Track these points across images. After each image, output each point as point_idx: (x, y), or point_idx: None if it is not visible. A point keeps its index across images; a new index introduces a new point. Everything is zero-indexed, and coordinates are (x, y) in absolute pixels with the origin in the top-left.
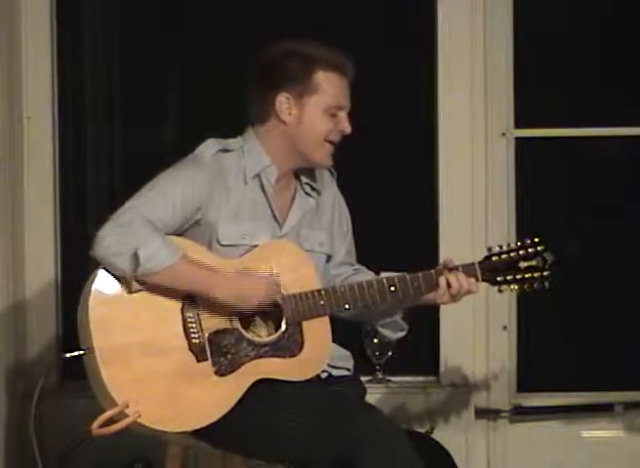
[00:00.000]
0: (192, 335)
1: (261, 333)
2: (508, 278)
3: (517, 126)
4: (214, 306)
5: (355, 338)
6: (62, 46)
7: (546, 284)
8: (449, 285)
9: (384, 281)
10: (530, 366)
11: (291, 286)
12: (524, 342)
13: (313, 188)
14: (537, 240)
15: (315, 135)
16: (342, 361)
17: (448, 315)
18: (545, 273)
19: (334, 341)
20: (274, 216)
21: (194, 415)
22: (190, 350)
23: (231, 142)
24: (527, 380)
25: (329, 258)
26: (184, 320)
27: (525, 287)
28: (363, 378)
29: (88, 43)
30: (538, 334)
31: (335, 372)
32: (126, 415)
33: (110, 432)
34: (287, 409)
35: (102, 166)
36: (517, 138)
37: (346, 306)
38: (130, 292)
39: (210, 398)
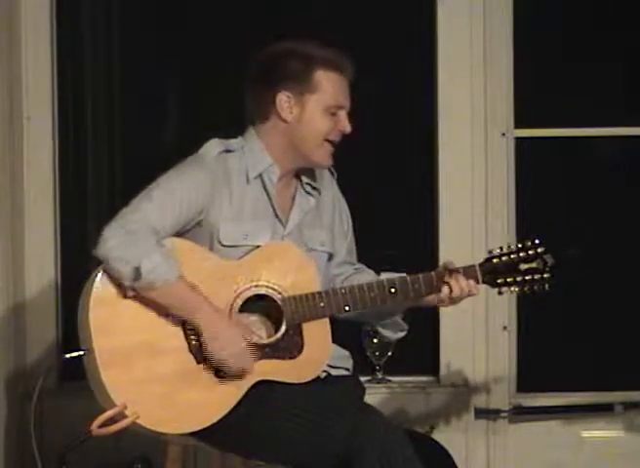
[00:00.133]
0: (192, 337)
1: (261, 335)
2: (509, 280)
3: (517, 126)
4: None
5: (355, 338)
6: (62, 46)
7: (547, 286)
8: (450, 289)
9: (384, 283)
10: (530, 366)
11: (291, 287)
12: (524, 342)
13: (314, 187)
14: (537, 242)
15: (315, 133)
16: (342, 361)
17: (448, 315)
18: (546, 275)
19: (333, 341)
20: (276, 216)
21: (193, 417)
22: (190, 351)
23: (233, 143)
24: (527, 380)
25: (330, 257)
26: (184, 321)
27: (525, 289)
28: (363, 378)
29: (88, 43)
30: (537, 335)
31: (334, 372)
32: (125, 416)
33: (110, 432)
34: (286, 409)
35: (102, 166)
36: (517, 138)
37: (346, 308)
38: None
39: (209, 399)
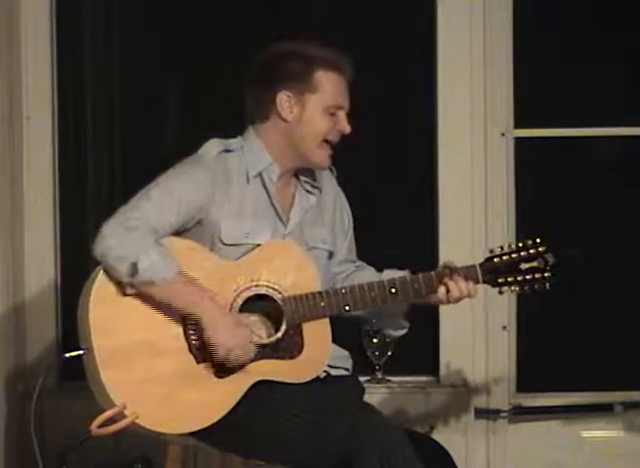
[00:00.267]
0: (192, 337)
1: (261, 335)
2: (509, 279)
3: (517, 126)
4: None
5: (355, 338)
6: (62, 46)
7: (547, 285)
8: (448, 290)
9: (385, 283)
10: (529, 366)
11: (292, 287)
12: (523, 342)
13: (314, 186)
14: (538, 241)
15: (315, 133)
16: (341, 361)
17: (447, 315)
18: (547, 274)
19: (333, 341)
20: (277, 215)
21: (193, 417)
22: (190, 351)
23: (232, 142)
24: (526, 380)
25: (331, 255)
26: (184, 321)
27: (526, 288)
28: (362, 378)
29: (88, 43)
30: (537, 334)
31: (333, 372)
32: (124, 416)
33: (109, 432)
34: (286, 409)
35: (102, 166)
36: (517, 138)
37: (347, 308)
38: (125, 294)
39: (209, 399)
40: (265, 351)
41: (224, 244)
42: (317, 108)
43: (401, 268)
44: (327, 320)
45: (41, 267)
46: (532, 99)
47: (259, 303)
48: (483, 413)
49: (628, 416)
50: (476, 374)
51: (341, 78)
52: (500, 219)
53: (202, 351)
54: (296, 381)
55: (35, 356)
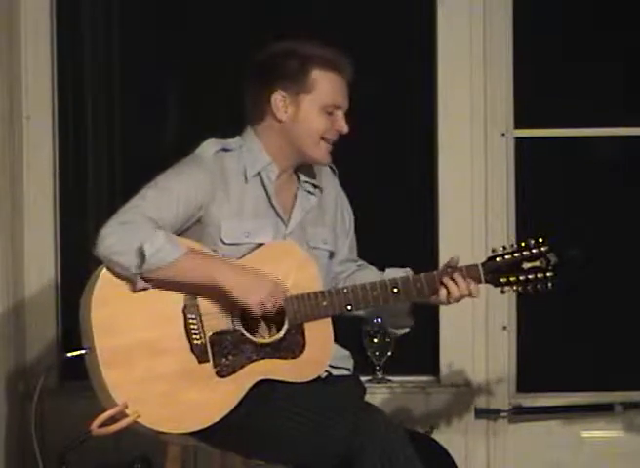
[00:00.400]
0: (194, 336)
1: (263, 334)
2: (512, 279)
3: (517, 126)
4: (216, 306)
5: (355, 338)
6: (62, 46)
7: (550, 285)
8: (448, 290)
9: (387, 282)
10: (530, 366)
11: (294, 287)
12: (524, 342)
13: (315, 186)
14: (540, 240)
15: (311, 132)
16: (342, 361)
17: (448, 315)
18: (549, 274)
19: (334, 341)
20: (277, 214)
21: (195, 417)
22: (192, 351)
23: (231, 142)
24: (527, 380)
25: (332, 255)
26: (186, 321)
27: (528, 288)
28: (363, 378)
29: (88, 43)
30: (537, 334)
31: (335, 372)
32: (126, 415)
33: (109, 432)
34: (287, 409)
35: (102, 166)
36: (517, 138)
37: (349, 307)
38: (134, 290)
39: (211, 399)
40: (267, 350)
41: (225, 243)
42: (313, 108)
43: (403, 267)
44: (329, 319)
45: (41, 267)
46: (532, 99)
47: None
48: (483, 413)
49: (628, 416)
50: (476, 374)
51: (339, 78)
52: (500, 219)
53: (204, 351)
54: (297, 381)
55: (35, 356)
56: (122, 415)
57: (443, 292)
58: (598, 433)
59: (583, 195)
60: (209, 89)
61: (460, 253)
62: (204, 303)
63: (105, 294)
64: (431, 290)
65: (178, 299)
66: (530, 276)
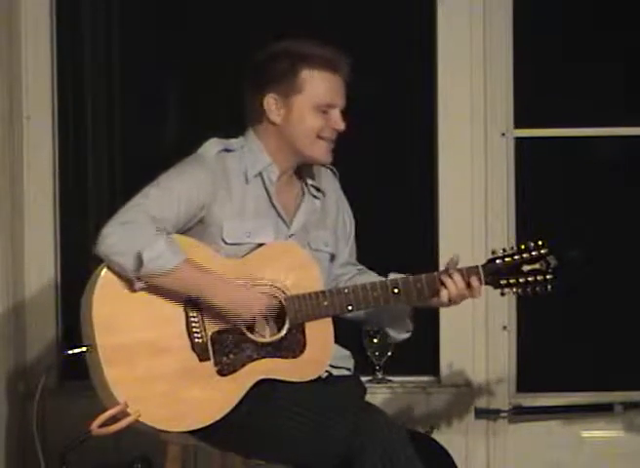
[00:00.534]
0: (195, 335)
1: (264, 334)
2: (511, 281)
3: (517, 126)
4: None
5: (355, 338)
6: (62, 46)
7: (549, 287)
8: (446, 288)
9: (388, 283)
10: (530, 366)
11: (295, 287)
12: (524, 342)
13: (318, 189)
14: (540, 243)
15: (306, 132)
16: (343, 360)
17: (448, 315)
18: (548, 277)
19: (335, 341)
20: (279, 215)
21: (195, 415)
22: (193, 350)
23: (233, 142)
24: (527, 380)
25: (332, 258)
26: (188, 319)
27: (528, 290)
28: (363, 378)
29: (88, 43)
30: (537, 334)
31: (335, 372)
32: (127, 414)
33: (109, 432)
34: (288, 409)
35: (102, 166)
36: (517, 138)
37: (349, 307)
38: (133, 290)
39: (211, 398)
40: (268, 350)
41: (226, 243)
42: (305, 108)
43: (403, 268)
44: (329, 319)
45: (41, 267)
46: (532, 99)
47: None
48: (483, 413)
49: (628, 416)
50: (476, 374)
51: (332, 76)
52: (500, 219)
53: (205, 349)
54: (298, 380)
55: (36, 356)
56: (123, 414)
57: (443, 291)
58: (598, 433)
59: (583, 195)
60: (209, 89)
61: (460, 254)
62: (205, 303)
63: (107, 293)
64: (431, 290)
65: (179, 298)
66: (529, 278)
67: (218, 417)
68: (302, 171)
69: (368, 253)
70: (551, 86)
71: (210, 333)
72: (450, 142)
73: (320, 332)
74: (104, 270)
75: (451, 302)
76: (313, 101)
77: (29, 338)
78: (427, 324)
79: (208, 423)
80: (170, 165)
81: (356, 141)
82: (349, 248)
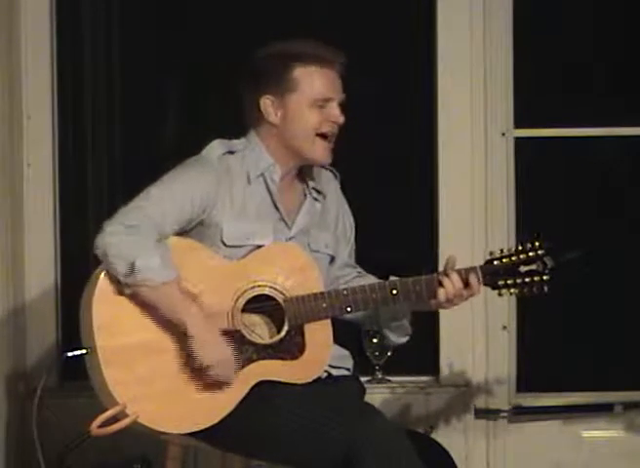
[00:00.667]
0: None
1: (264, 335)
2: (509, 282)
3: (517, 126)
4: (217, 307)
5: (355, 338)
6: (62, 46)
7: (546, 288)
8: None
9: (386, 284)
10: (529, 366)
11: (294, 288)
12: (523, 342)
13: (319, 192)
14: (537, 244)
15: (304, 129)
16: (342, 361)
17: (447, 315)
18: (545, 277)
19: (334, 342)
20: (281, 217)
21: (195, 417)
22: None
23: (236, 143)
24: (526, 380)
25: (332, 260)
26: None
27: (525, 290)
28: (363, 378)
29: (88, 43)
30: (537, 334)
31: (334, 372)
32: (126, 415)
33: (109, 432)
34: (287, 410)
35: (102, 166)
36: (517, 138)
37: (348, 309)
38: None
39: (211, 399)
40: (267, 351)
41: (226, 245)
42: (301, 105)
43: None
44: (329, 321)
45: (41, 267)
46: (532, 99)
47: (261, 303)
48: (483, 413)
49: (628, 416)
50: (476, 374)
51: (325, 70)
52: (499, 219)
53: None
54: (297, 382)
55: (35, 356)
56: (122, 415)
57: (441, 291)
58: (598, 433)
59: (583, 195)
60: (209, 89)
61: (460, 254)
62: (205, 304)
63: (106, 294)
64: (430, 292)
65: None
66: (526, 279)
67: (217, 420)
68: (304, 173)
69: (368, 253)
70: (551, 86)
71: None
72: (450, 142)
73: (319, 334)
74: (104, 272)
75: (449, 303)
76: (309, 97)
77: (29, 339)
78: (427, 324)
79: (207, 425)
80: (170, 165)
81: (356, 141)
82: (349, 250)
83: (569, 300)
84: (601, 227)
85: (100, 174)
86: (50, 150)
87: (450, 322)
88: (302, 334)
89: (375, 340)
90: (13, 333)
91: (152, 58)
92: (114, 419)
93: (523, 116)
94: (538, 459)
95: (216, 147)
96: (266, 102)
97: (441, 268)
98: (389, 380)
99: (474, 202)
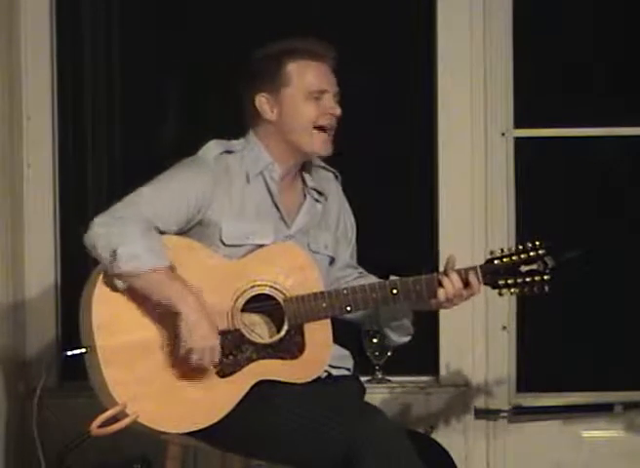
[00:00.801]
0: None
1: (263, 335)
2: (509, 281)
3: (517, 126)
4: (216, 306)
5: (355, 338)
6: (62, 46)
7: (547, 288)
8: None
9: (386, 283)
10: (529, 366)
11: (294, 288)
12: (524, 342)
13: (320, 192)
14: (538, 243)
15: (302, 123)
16: (342, 360)
17: (447, 315)
18: (546, 277)
19: (334, 341)
20: (281, 216)
21: (195, 416)
22: None
23: (234, 144)
24: (526, 380)
25: (332, 261)
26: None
27: (525, 290)
28: (363, 378)
29: (88, 43)
30: (537, 334)
31: (334, 372)
32: (126, 415)
33: (109, 432)
34: (287, 409)
35: (102, 166)
36: (517, 138)
37: (348, 308)
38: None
39: (211, 399)
40: (267, 351)
41: (225, 245)
42: (296, 99)
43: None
44: (328, 321)
45: (41, 267)
46: (532, 99)
47: (261, 303)
48: (483, 413)
49: (628, 416)
50: (476, 374)
51: (317, 63)
52: (499, 219)
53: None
54: (297, 381)
55: (35, 356)
56: (122, 415)
57: (441, 290)
58: (598, 433)
59: (583, 195)
60: (209, 89)
61: (459, 253)
62: (204, 303)
63: (106, 293)
64: (430, 291)
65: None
66: (527, 279)
67: (217, 419)
68: (305, 174)
69: (368, 253)
70: (551, 86)
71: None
72: (450, 142)
73: (319, 334)
74: (103, 271)
75: (449, 302)
76: (303, 91)
77: (29, 338)
78: (427, 324)
79: (207, 424)
80: (170, 165)
81: (356, 141)
82: (350, 251)
83: (569, 300)
84: (601, 227)
85: (100, 174)
86: (50, 150)
87: (450, 322)
88: (302, 334)
89: (375, 340)
90: (13, 333)
91: (152, 58)
92: (114, 419)
93: (523, 116)
94: (538, 459)
95: (212, 147)
96: (262, 100)
97: (441, 268)
98: (389, 380)
99: (474, 202)
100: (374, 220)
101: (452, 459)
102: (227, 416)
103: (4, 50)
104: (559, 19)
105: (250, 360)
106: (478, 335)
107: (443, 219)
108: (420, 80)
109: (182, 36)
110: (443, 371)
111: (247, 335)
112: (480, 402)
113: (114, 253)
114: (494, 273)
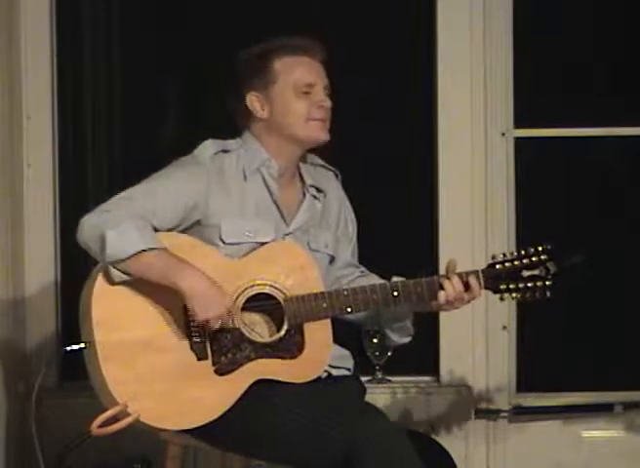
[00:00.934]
0: (194, 334)
1: (263, 334)
2: (511, 286)
3: (517, 126)
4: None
5: (355, 338)
6: (62, 46)
7: (548, 293)
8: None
9: (387, 286)
10: (530, 366)
11: (294, 287)
12: (524, 342)
13: (319, 190)
14: (540, 249)
15: (295, 118)
16: (342, 360)
17: (447, 315)
18: (547, 283)
19: (334, 341)
20: (280, 213)
21: (193, 414)
22: (191, 349)
23: (230, 143)
24: (527, 380)
25: (332, 260)
26: (187, 318)
27: (527, 295)
28: (363, 378)
29: (88, 43)
30: (537, 334)
31: (334, 372)
32: (127, 414)
33: (109, 432)
34: (286, 409)
35: (102, 166)
36: (517, 138)
37: (348, 309)
38: (132, 288)
39: (209, 397)
40: (266, 350)
41: (225, 243)
42: (285, 95)
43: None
44: (329, 321)
45: (41, 267)
46: (532, 99)
47: (261, 302)
48: (483, 413)
49: (628, 416)
50: (476, 374)
51: (303, 58)
52: (499, 220)
53: (203, 348)
54: (296, 381)
55: (36, 356)
56: (123, 415)
57: (441, 293)
58: (598, 433)
59: (584, 195)
60: (209, 89)
61: (459, 254)
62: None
63: (106, 290)
64: (431, 294)
65: (179, 296)
66: (529, 284)
67: (215, 416)
68: (304, 172)
69: (368, 253)
70: (551, 86)
71: (208, 333)
72: (450, 142)
73: (319, 334)
74: (103, 268)
75: (449, 305)
76: (291, 85)
77: (29, 338)
78: (427, 324)
79: (205, 422)
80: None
81: (356, 141)
82: (351, 249)
83: (569, 300)
84: (601, 227)
85: (100, 174)
86: (50, 150)
87: (450, 322)
88: (302, 334)
89: (375, 340)
90: (12, 332)
91: (152, 58)
92: (114, 419)
93: (523, 116)
94: (538, 459)
95: (208, 146)
96: (252, 99)
97: (441, 270)
98: (390, 380)
99: (474, 202)
100: (374, 220)
101: (452, 459)
102: (227, 416)
103: (4, 50)
104: (559, 19)
105: (249, 359)
106: (478, 335)
107: (443, 219)
108: (420, 80)
109: (182, 36)
110: (443, 372)
111: (246, 334)
112: (480, 402)
113: (103, 239)
114: (495, 277)
